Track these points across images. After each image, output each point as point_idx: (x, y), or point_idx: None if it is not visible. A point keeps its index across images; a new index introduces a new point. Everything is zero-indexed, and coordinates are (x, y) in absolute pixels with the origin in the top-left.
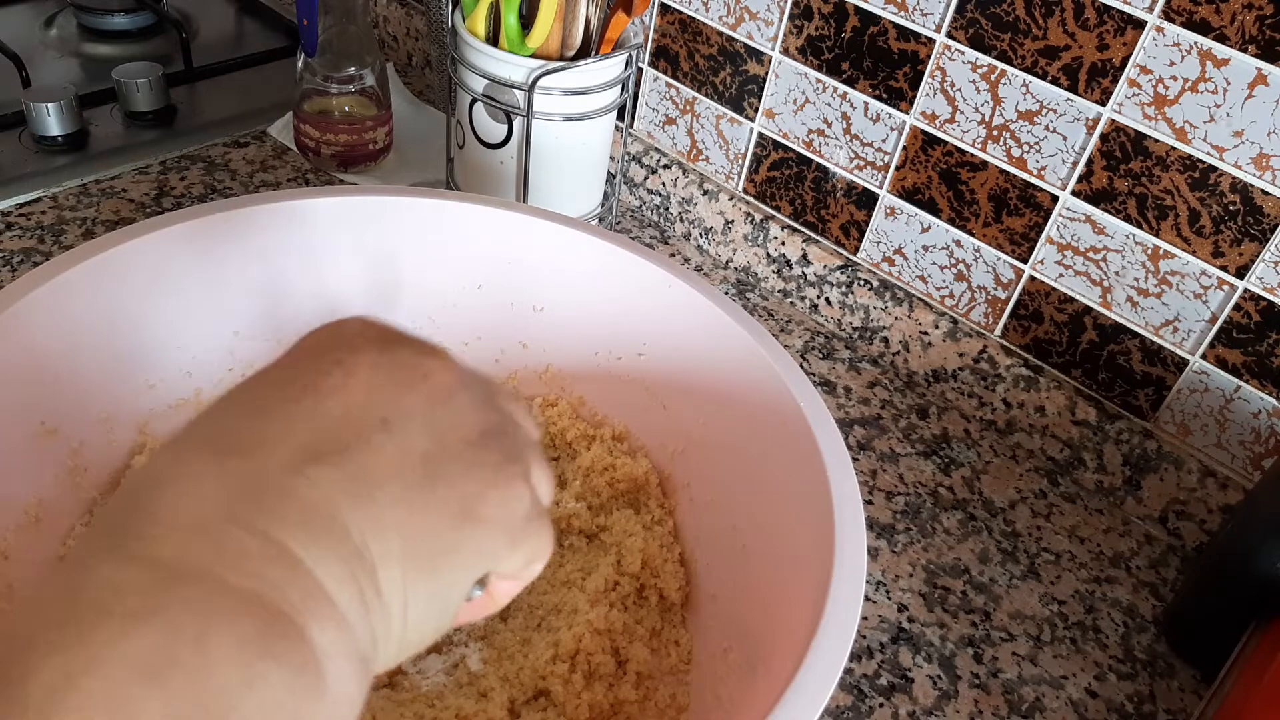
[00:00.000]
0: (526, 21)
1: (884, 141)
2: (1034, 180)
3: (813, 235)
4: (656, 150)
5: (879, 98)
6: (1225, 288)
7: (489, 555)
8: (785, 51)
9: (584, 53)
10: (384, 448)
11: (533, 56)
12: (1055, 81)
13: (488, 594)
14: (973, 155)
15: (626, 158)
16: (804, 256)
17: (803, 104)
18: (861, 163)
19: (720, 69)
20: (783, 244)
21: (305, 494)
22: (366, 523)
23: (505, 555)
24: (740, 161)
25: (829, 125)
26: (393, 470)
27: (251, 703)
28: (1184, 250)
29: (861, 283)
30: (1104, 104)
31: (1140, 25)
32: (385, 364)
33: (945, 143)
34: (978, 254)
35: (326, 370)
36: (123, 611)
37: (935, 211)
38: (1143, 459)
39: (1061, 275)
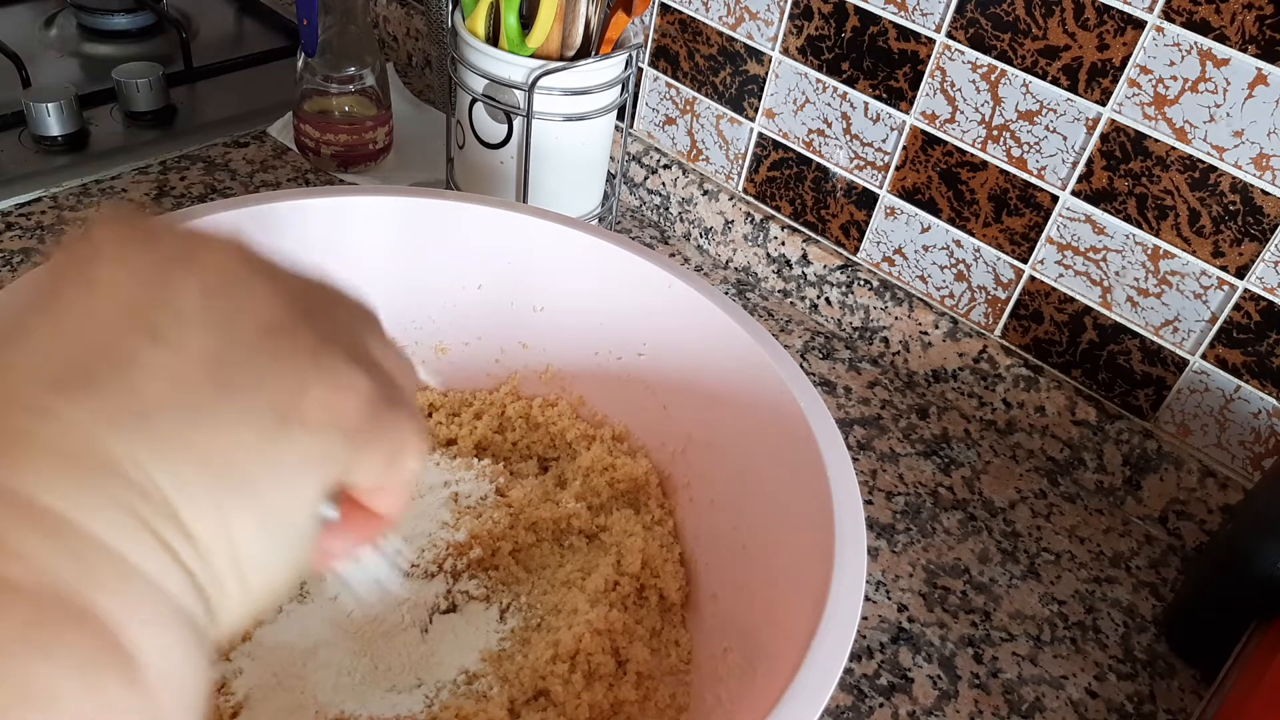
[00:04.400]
0: (526, 21)
1: (884, 141)
2: (1034, 180)
3: (813, 235)
4: (656, 150)
5: (879, 98)
6: (1225, 288)
7: (326, 462)
8: (785, 51)
9: (584, 53)
10: (153, 359)
11: (533, 56)
12: (1055, 81)
13: (358, 510)
14: (973, 155)
15: (626, 158)
16: (804, 256)
17: (803, 104)
18: (861, 163)
19: (720, 69)
20: (783, 244)
21: (54, 436)
22: (145, 453)
23: (350, 459)
24: (740, 161)
25: (829, 125)
26: (170, 384)
27: None
28: (1184, 250)
29: (861, 283)
30: (1104, 104)
31: (1140, 25)
32: (142, 266)
33: (945, 143)
34: (978, 254)
35: (62, 290)
36: None
37: (935, 211)
38: (1143, 459)
39: (1061, 275)
